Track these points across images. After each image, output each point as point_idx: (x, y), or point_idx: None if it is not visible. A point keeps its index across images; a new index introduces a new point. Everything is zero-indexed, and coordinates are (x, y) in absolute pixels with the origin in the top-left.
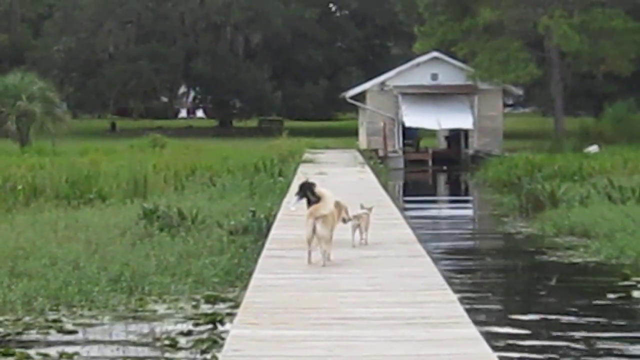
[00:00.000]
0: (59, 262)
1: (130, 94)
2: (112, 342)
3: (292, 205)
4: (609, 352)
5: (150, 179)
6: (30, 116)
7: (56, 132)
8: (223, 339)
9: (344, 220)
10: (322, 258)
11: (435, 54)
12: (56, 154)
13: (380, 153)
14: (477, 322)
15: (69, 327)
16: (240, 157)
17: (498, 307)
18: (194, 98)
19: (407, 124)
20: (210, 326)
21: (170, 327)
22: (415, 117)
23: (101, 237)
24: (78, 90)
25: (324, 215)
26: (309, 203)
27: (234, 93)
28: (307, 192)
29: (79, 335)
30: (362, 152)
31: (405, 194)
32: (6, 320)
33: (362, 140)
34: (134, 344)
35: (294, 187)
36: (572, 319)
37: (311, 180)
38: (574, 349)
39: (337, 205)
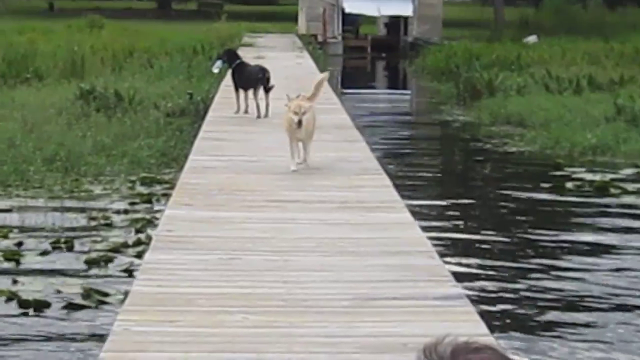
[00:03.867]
0: None
1: None
2: (47, 221)
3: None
4: (537, 241)
5: (87, 59)
6: None
7: None
8: (157, 219)
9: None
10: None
11: None
12: None
13: (320, 39)
14: (410, 206)
15: (4, 206)
16: (178, 40)
17: (431, 192)
18: None
19: (347, 9)
20: (145, 206)
21: (105, 207)
22: (355, 3)
23: (37, 117)
24: None
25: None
26: (233, 73)
27: None
28: (231, 58)
29: (14, 214)
30: (301, 37)
31: (343, 81)
32: None
33: (302, 26)
34: (70, 222)
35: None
36: (503, 207)
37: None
38: (501, 236)
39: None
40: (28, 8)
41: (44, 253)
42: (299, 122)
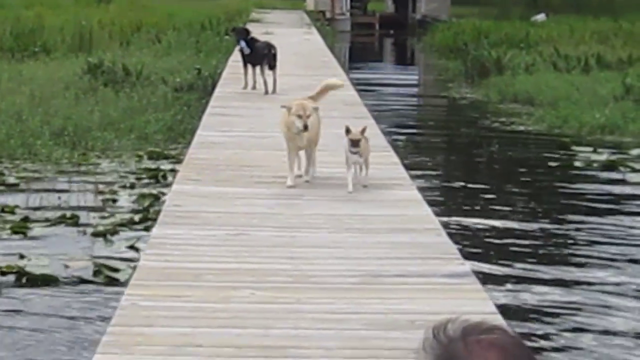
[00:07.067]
0: (2, 115)
1: None
2: (54, 195)
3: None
4: (544, 215)
5: (95, 34)
6: None
7: None
8: (164, 194)
9: None
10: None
11: None
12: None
13: (328, 15)
14: (417, 184)
15: (11, 179)
16: (186, 15)
17: (438, 170)
18: None
19: None
20: (152, 181)
21: (112, 181)
22: None
23: (45, 91)
24: None
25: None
26: (243, 55)
27: None
28: (239, 34)
29: (22, 188)
30: (309, 13)
31: (351, 57)
32: None
33: (310, 2)
34: (76, 197)
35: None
36: (511, 185)
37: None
38: (510, 212)
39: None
40: None
41: (50, 228)
42: (305, 127)
